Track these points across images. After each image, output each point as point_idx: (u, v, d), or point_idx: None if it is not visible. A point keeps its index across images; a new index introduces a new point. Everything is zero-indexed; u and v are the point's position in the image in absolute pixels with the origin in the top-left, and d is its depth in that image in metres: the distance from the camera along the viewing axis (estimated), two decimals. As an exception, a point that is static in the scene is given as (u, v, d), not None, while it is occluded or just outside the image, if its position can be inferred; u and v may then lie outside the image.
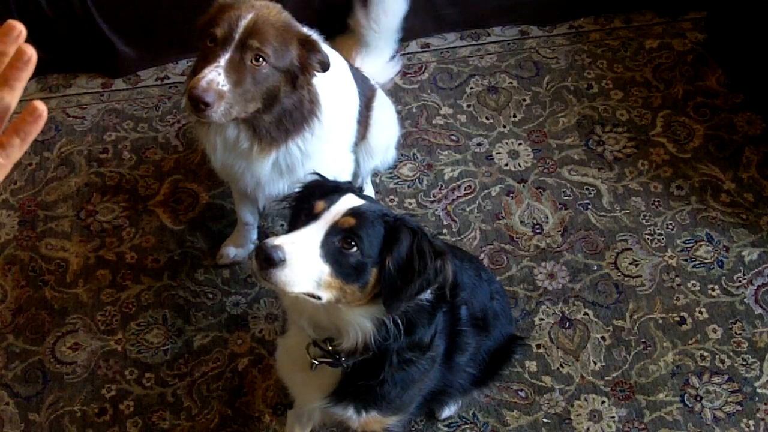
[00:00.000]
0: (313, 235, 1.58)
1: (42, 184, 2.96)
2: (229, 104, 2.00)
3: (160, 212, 2.90)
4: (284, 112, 2.14)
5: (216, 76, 1.98)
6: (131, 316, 2.67)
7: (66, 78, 3.25)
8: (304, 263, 1.56)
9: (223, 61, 1.99)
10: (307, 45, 2.11)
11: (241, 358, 2.59)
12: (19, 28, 0.93)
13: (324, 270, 1.58)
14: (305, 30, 2.17)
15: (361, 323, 1.69)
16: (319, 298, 1.62)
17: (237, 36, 2.00)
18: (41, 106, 0.95)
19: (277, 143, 2.20)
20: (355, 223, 1.60)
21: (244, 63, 2.01)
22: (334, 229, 1.59)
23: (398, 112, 2.96)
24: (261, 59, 2.02)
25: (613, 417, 2.49)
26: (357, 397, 1.88)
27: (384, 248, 1.62)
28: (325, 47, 2.46)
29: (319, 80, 2.19)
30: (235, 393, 2.53)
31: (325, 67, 2.14)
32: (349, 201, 1.64)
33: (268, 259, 1.52)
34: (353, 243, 1.59)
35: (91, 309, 2.68)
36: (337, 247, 1.59)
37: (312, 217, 1.62)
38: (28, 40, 0.94)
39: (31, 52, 0.93)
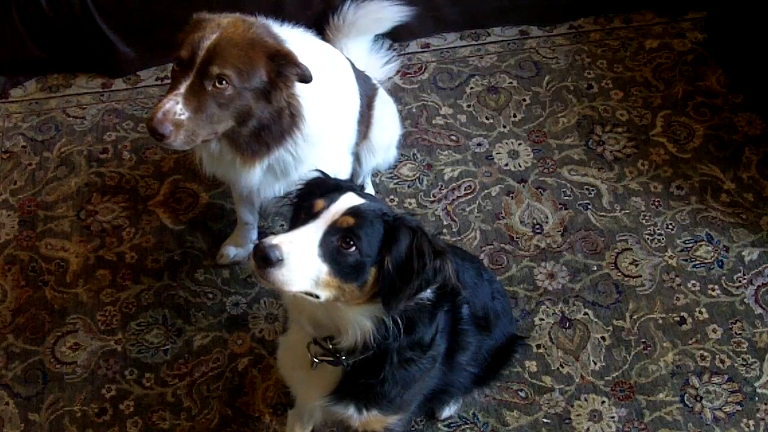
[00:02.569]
0: (311, 234, 1.59)
1: (42, 184, 2.96)
2: (189, 132, 2.00)
3: (160, 212, 2.90)
4: (261, 127, 2.11)
5: (173, 105, 1.98)
6: (131, 316, 2.67)
7: (66, 78, 3.25)
8: (301, 262, 1.56)
9: (183, 88, 1.99)
10: (279, 59, 2.04)
11: (241, 358, 2.58)
12: None
13: (322, 269, 1.58)
14: (281, 42, 2.09)
15: (360, 322, 1.69)
16: (318, 297, 1.62)
17: (198, 60, 1.99)
18: None
19: (259, 155, 2.17)
20: (354, 223, 1.60)
21: (204, 88, 2.00)
22: (333, 229, 1.59)
23: (398, 112, 2.96)
24: (224, 82, 2.00)
25: (613, 417, 2.49)
26: (358, 395, 1.88)
27: (383, 247, 1.62)
28: (328, 47, 2.46)
29: (310, 87, 2.11)
30: (235, 393, 2.52)
31: (305, 79, 2.07)
32: (348, 200, 1.64)
33: (265, 259, 1.53)
34: (352, 242, 1.59)
35: (91, 309, 2.68)
36: (336, 246, 1.59)
37: (311, 215, 1.62)
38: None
39: None
